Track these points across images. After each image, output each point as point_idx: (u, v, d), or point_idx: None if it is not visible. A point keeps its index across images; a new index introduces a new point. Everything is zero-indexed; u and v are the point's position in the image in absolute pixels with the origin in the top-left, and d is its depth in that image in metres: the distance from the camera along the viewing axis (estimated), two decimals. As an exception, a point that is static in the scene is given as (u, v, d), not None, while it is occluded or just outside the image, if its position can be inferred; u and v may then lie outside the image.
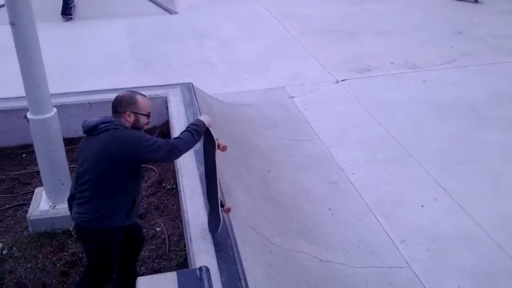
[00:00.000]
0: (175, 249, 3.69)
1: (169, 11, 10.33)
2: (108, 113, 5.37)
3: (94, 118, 2.89)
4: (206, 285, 2.59)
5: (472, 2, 10.41)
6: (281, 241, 3.66)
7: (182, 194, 3.77)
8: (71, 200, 2.99)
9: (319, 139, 5.36)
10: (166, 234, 3.83)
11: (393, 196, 4.41)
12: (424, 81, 6.64)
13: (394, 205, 4.30)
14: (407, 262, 3.69)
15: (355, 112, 5.88)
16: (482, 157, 4.93)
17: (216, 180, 3.13)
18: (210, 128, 3.04)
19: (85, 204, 2.83)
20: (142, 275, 3.44)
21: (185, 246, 3.55)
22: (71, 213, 3.00)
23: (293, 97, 6.35)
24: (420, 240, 3.90)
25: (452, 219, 4.11)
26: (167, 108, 5.35)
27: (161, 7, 10.36)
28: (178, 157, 2.92)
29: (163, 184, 4.47)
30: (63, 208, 3.89)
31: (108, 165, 2.74)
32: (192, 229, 3.37)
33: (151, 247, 3.72)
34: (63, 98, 5.27)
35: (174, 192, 4.35)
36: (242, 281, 2.83)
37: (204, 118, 3.05)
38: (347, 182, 4.62)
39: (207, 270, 2.57)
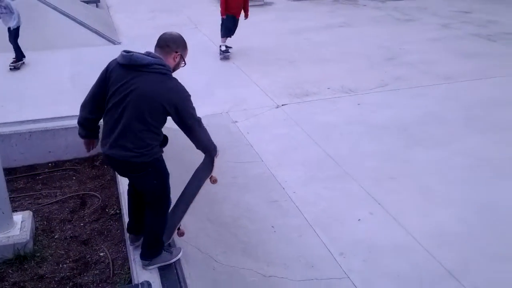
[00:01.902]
0: (120, 273, 3.69)
1: (113, 42, 10.39)
2: (48, 142, 5.33)
3: (141, 53, 3.02)
4: (148, 299, 2.66)
5: None
6: (225, 258, 3.76)
7: (126, 218, 3.81)
8: (87, 122, 3.24)
9: (262, 160, 5.55)
10: (110, 258, 3.83)
11: (332, 212, 4.61)
12: (359, 104, 7.01)
13: (332, 220, 4.50)
14: (345, 273, 3.86)
15: (295, 135, 6.12)
16: (412, 173, 5.25)
17: (190, 204, 3.34)
18: (216, 159, 3.31)
19: (130, 138, 2.92)
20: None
21: (129, 269, 3.57)
22: (83, 134, 3.28)
23: (237, 121, 6.54)
24: (358, 251, 4.10)
25: (386, 231, 4.35)
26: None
27: (104, 38, 10.40)
28: (199, 135, 3.19)
29: (107, 210, 4.47)
30: (3, 237, 3.82)
31: (153, 104, 2.90)
32: (136, 251, 3.43)
33: (95, 272, 3.70)
34: (2, 128, 5.20)
35: (117, 217, 4.36)
36: (185, 297, 2.91)
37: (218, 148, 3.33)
38: (288, 201, 4.80)
39: (149, 284, 2.64)
